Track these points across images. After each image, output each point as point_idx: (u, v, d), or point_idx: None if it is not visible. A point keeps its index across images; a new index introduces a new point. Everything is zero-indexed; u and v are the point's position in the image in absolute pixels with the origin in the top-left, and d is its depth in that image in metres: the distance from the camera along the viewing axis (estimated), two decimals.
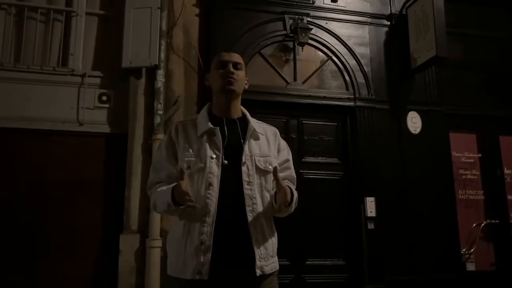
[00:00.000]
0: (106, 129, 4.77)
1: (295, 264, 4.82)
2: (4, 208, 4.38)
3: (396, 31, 5.54)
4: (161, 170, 1.98)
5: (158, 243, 4.31)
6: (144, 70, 4.76)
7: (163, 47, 4.76)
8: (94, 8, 5.06)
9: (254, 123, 2.05)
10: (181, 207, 1.80)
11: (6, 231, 4.35)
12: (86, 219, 4.52)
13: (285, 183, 1.94)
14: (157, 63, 4.69)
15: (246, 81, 2.10)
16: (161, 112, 4.63)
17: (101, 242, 4.55)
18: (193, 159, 1.90)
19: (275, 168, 1.84)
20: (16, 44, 4.80)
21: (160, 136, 4.48)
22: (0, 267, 4.27)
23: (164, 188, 1.88)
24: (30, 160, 4.54)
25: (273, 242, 1.93)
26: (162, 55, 4.75)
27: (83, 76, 4.77)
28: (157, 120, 4.59)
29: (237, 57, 2.06)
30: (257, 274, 1.80)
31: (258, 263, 1.82)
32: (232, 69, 1.99)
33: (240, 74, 2.03)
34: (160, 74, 4.70)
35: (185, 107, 4.82)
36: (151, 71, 4.73)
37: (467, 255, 5.22)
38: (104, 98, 4.81)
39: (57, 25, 4.92)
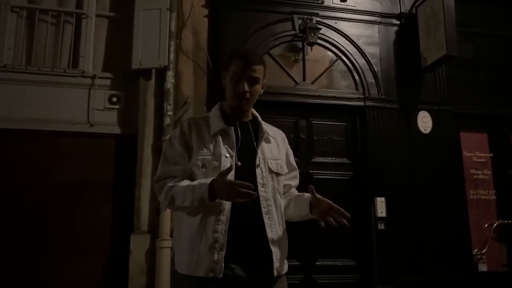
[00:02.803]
0: (116, 130, 4.80)
1: (305, 265, 4.81)
2: (15, 208, 4.43)
3: (405, 30, 5.50)
4: (176, 164, 1.92)
5: (168, 243, 4.32)
6: (153, 71, 4.78)
7: (172, 48, 4.78)
8: (104, 10, 5.10)
9: (265, 126, 2.05)
10: (215, 201, 1.77)
11: (16, 231, 4.40)
12: (96, 219, 4.56)
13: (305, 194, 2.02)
14: (167, 64, 4.71)
15: (263, 85, 2.04)
16: (170, 113, 4.65)
17: (111, 243, 4.58)
18: (208, 157, 1.89)
19: (311, 189, 1.88)
20: (27, 46, 4.85)
21: None
22: (11, 268, 4.32)
23: (196, 183, 1.82)
24: (41, 161, 4.59)
25: (286, 244, 1.95)
26: (172, 56, 4.77)
27: (93, 77, 4.81)
28: (167, 121, 4.61)
29: (256, 70, 1.94)
30: (275, 275, 1.83)
31: (276, 264, 1.83)
32: (246, 88, 1.91)
33: (255, 90, 1.96)
34: (170, 75, 4.72)
35: (194, 108, 4.83)
36: (161, 72, 4.76)
37: (479, 256, 5.17)
38: (114, 99, 4.84)
39: (68, 27, 4.96)
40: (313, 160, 5.10)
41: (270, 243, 1.84)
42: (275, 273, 1.83)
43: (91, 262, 4.45)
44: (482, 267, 5.16)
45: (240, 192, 1.67)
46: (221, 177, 1.72)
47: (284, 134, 2.17)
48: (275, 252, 1.84)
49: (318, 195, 1.88)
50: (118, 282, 4.39)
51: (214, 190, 1.74)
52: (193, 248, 1.83)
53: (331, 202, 1.86)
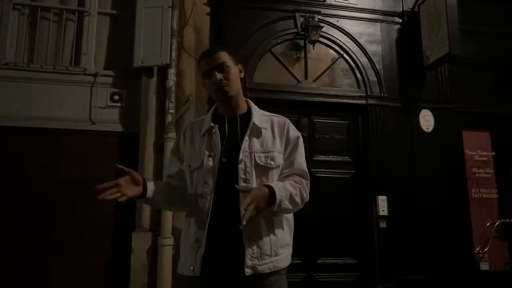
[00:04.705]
0: (118, 128, 4.81)
1: (306, 263, 4.81)
2: (17, 207, 4.43)
3: (408, 28, 5.49)
4: (171, 166, 2.07)
5: (170, 241, 4.33)
6: (155, 69, 4.79)
7: (174, 46, 4.78)
8: (106, 7, 5.11)
9: (258, 117, 1.99)
10: (140, 198, 1.82)
11: (19, 230, 4.41)
12: (98, 217, 4.55)
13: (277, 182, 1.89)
14: (169, 62, 4.71)
15: (240, 69, 2.03)
16: (172, 111, 4.65)
17: (113, 241, 4.58)
18: (193, 158, 1.94)
19: (240, 188, 1.78)
20: (29, 44, 4.86)
21: (172, 134, 4.50)
22: (14, 266, 4.33)
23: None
24: (43, 159, 4.59)
25: (272, 241, 1.86)
26: (174, 54, 4.77)
27: (95, 75, 4.81)
28: (169, 119, 4.61)
29: (219, 57, 1.93)
30: (247, 274, 1.76)
31: (248, 262, 1.78)
32: (219, 77, 1.90)
33: (230, 74, 1.94)
34: (172, 73, 4.72)
35: (196, 106, 4.84)
36: (163, 70, 4.76)
37: (481, 255, 5.16)
38: (116, 97, 4.84)
39: (70, 25, 4.96)
40: (315, 158, 5.09)
41: (244, 239, 1.79)
42: (249, 271, 1.76)
43: (93, 260, 4.46)
44: (484, 266, 5.15)
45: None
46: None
47: (286, 120, 2.05)
48: (250, 249, 1.79)
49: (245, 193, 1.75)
50: (120, 280, 4.39)
51: None
52: (183, 248, 1.91)
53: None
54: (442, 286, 4.82)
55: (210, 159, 1.88)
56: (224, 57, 1.95)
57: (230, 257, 1.81)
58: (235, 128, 1.95)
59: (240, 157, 1.87)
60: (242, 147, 1.89)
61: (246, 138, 1.92)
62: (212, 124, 1.95)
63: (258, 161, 1.89)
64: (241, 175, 1.85)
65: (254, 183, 1.86)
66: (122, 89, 4.88)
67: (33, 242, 4.41)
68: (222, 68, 1.93)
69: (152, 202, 1.94)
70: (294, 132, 2.04)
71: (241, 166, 1.87)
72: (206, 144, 1.93)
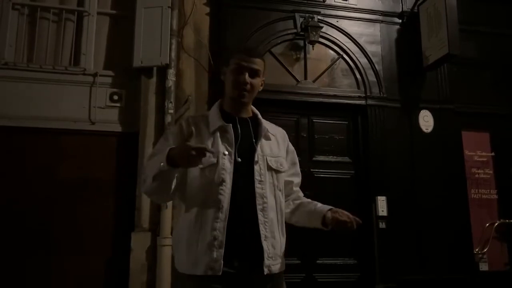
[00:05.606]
0: (117, 128, 4.81)
1: (305, 263, 4.80)
2: (17, 207, 4.43)
3: (407, 29, 5.49)
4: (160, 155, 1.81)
5: (169, 241, 4.33)
6: (155, 69, 4.78)
7: (173, 46, 4.78)
8: (105, 7, 5.10)
9: (266, 124, 2.04)
10: (175, 168, 1.70)
11: (19, 230, 4.40)
12: (98, 217, 4.56)
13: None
14: (168, 62, 4.71)
15: (262, 82, 2.05)
16: (171, 111, 4.65)
17: (113, 240, 4.58)
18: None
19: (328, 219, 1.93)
20: (29, 43, 4.86)
21: None
22: (14, 266, 4.33)
23: (159, 154, 1.78)
24: (43, 159, 4.59)
25: (281, 242, 1.92)
26: (173, 54, 4.76)
27: (94, 75, 4.81)
28: (168, 119, 4.61)
29: (256, 63, 1.97)
30: (265, 273, 1.80)
31: (266, 261, 1.81)
32: (247, 79, 1.93)
33: (256, 82, 1.97)
34: (171, 73, 4.72)
35: (195, 106, 4.84)
36: (162, 70, 4.76)
37: (480, 255, 5.17)
38: (116, 97, 4.84)
39: (69, 25, 4.96)
40: (314, 158, 5.09)
41: (262, 239, 1.82)
42: (266, 271, 1.80)
43: (93, 260, 4.46)
44: (483, 267, 5.15)
45: (192, 153, 1.63)
46: (181, 143, 1.69)
47: (285, 132, 2.16)
48: (267, 249, 1.82)
49: (334, 214, 1.92)
50: (119, 280, 4.39)
51: (171, 156, 1.69)
52: (191, 246, 1.82)
53: (345, 213, 1.92)
54: (442, 286, 4.82)
55: (226, 157, 1.88)
56: (261, 66, 2.00)
57: (250, 256, 1.82)
58: (247, 129, 1.98)
59: (256, 158, 1.91)
60: (257, 149, 1.93)
61: (259, 141, 1.96)
62: (225, 123, 1.95)
63: (270, 164, 1.94)
64: (257, 176, 1.88)
65: (267, 185, 1.90)
66: (121, 89, 4.88)
67: (33, 242, 4.40)
68: (255, 74, 1.96)
69: (171, 178, 1.77)
70: (291, 145, 2.16)
71: (256, 167, 1.90)
72: (221, 142, 1.91)
